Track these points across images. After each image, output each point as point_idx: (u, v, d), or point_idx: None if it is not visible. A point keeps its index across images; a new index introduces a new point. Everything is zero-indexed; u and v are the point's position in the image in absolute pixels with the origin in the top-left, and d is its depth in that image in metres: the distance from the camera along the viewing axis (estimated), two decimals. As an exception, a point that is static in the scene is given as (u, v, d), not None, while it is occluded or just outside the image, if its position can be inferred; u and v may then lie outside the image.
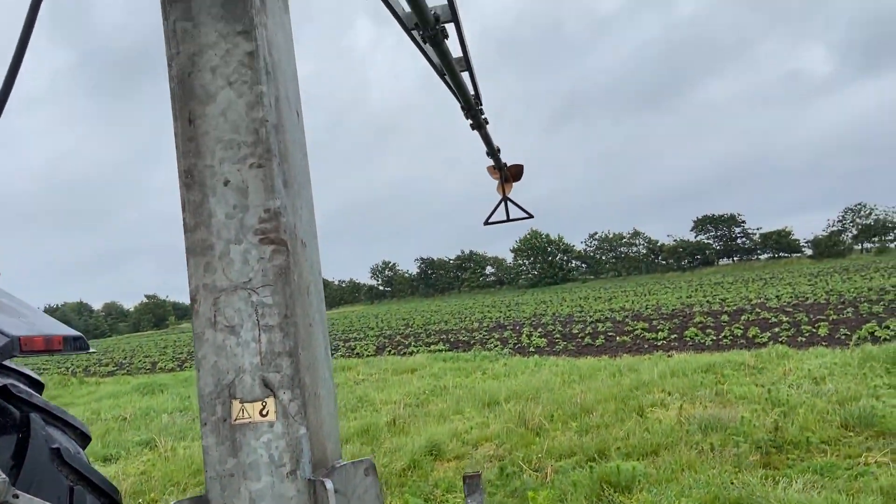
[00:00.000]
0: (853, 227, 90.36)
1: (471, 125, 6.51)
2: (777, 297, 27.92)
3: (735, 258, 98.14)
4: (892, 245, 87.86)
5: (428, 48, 4.60)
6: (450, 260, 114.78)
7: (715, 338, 15.97)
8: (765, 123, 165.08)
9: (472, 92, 5.82)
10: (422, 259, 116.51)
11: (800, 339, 14.42)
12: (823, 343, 13.21)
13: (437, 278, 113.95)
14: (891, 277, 34.20)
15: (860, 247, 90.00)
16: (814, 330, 15.47)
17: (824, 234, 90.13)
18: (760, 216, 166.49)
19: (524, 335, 21.48)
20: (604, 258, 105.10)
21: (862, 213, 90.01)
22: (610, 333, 19.64)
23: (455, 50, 5.12)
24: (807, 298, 25.30)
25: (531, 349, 17.71)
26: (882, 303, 20.18)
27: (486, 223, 8.26)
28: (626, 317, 25.04)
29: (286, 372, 1.31)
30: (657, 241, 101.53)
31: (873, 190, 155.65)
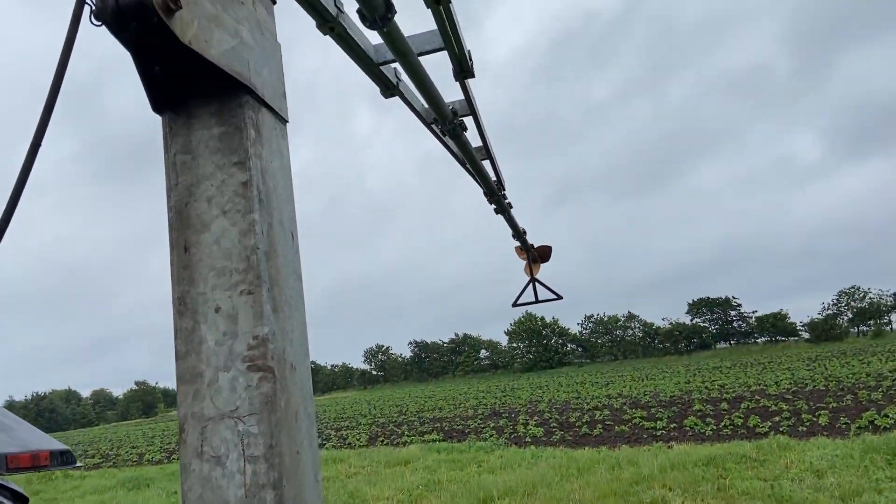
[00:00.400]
0: (848, 310, 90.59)
1: (494, 210, 6.64)
2: (776, 382, 27.62)
3: (732, 341, 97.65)
4: (887, 328, 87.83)
5: (448, 140, 4.74)
6: (444, 343, 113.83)
7: (715, 427, 15.69)
8: (757, 207, 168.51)
9: (494, 178, 5.95)
10: (415, 342, 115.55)
11: (801, 428, 14.17)
12: (824, 433, 12.99)
13: (431, 362, 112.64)
14: (888, 362, 33.96)
15: (856, 330, 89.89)
16: (814, 419, 15.24)
17: (820, 317, 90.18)
18: (755, 299, 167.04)
19: (520, 423, 21.07)
20: (599, 341, 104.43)
21: (856, 296, 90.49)
22: (608, 422, 19.28)
23: (475, 138, 5.26)
24: (806, 384, 25.03)
25: (527, 439, 17.33)
26: (880, 389, 19.97)
27: (515, 304, 8.16)
28: (624, 404, 24.65)
29: (270, 506, 1.30)
30: (653, 324, 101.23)
31: (865, 273, 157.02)
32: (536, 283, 8.12)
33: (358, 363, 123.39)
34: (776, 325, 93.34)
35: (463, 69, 3.73)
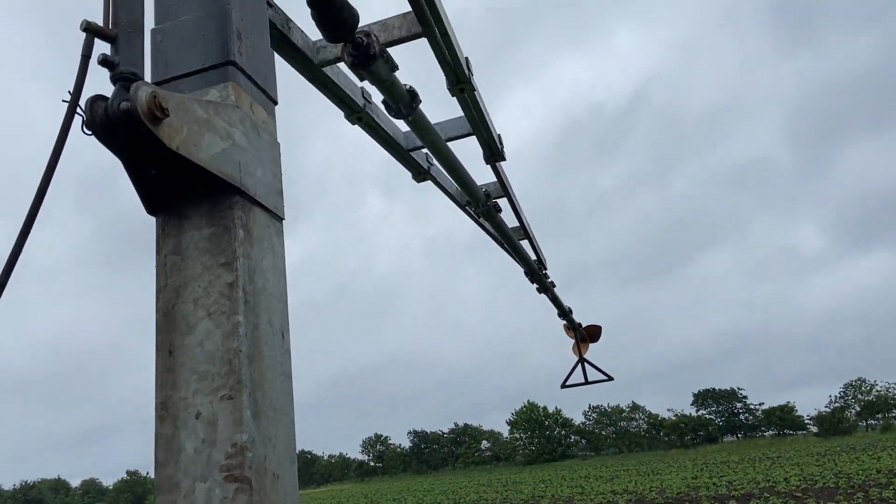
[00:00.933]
0: (855, 402, 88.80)
1: (537, 289, 6.63)
2: (786, 479, 26.74)
3: (739, 435, 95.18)
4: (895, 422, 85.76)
5: (483, 221, 4.80)
6: (444, 433, 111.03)
7: (723, 526, 15.08)
8: (762, 297, 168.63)
9: (534, 258, 5.96)
10: (415, 432, 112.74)
11: (813, 529, 13.61)
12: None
13: (431, 453, 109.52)
14: (900, 457, 33.02)
15: (864, 423, 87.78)
16: (826, 518, 14.66)
17: (827, 410, 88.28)
18: (760, 391, 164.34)
19: (522, 520, 20.27)
20: (604, 433, 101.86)
21: (863, 388, 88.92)
22: (612, 520, 18.56)
23: (511, 219, 5.30)
24: (816, 482, 24.22)
25: (529, 537, 16.62)
26: (891, 487, 19.31)
27: (564, 386, 7.88)
28: (630, 501, 23.79)
29: None
30: (658, 416, 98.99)
31: (871, 364, 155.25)
32: (586, 364, 7.85)
33: (355, 453, 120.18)
34: (783, 419, 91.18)
35: (493, 153, 3.84)
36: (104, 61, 1.40)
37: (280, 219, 1.64)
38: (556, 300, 7.08)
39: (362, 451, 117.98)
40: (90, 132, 1.29)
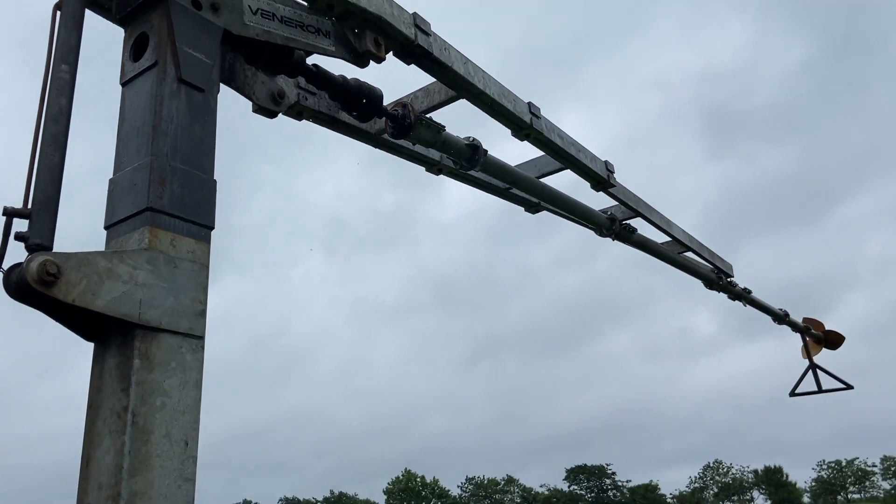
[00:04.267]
0: (713, 484, 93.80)
1: (728, 297, 6.14)
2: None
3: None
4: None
5: (619, 243, 4.90)
6: (317, 501, 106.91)
7: None
8: (657, 375, 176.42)
9: (711, 267, 5.67)
10: (286, 499, 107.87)
11: None
12: None
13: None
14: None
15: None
16: None
17: (688, 490, 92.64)
18: (632, 467, 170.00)
19: None
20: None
21: (720, 470, 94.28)
22: None
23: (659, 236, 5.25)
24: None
25: None
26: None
27: (793, 394, 7.12)
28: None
29: None
30: (531, 490, 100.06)
31: (734, 448, 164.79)
32: (818, 371, 6.97)
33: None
34: (646, 497, 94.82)
35: (598, 182, 3.90)
36: (18, 237, 1.70)
37: (197, 336, 1.86)
38: (755, 304, 6.41)
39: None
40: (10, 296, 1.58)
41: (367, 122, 2.96)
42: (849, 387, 6.70)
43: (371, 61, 2.52)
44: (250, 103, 2.46)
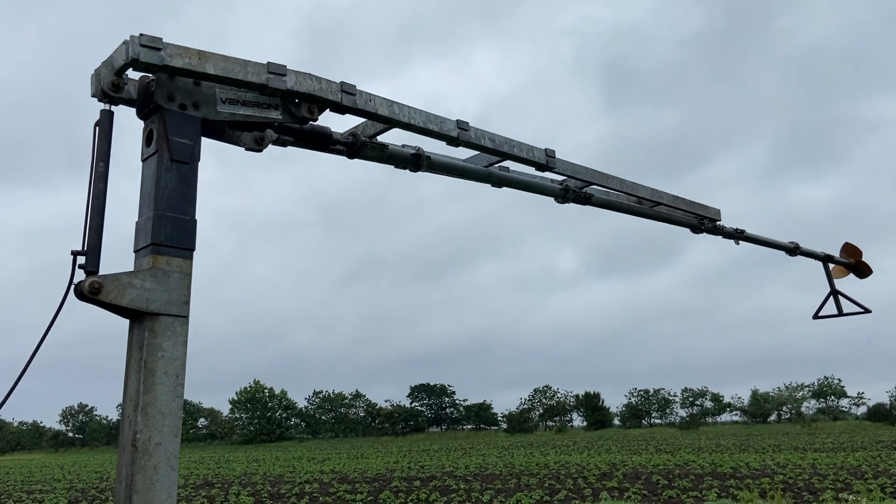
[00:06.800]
0: (540, 406, 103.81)
1: (724, 238, 6.17)
2: (466, 466, 31.77)
3: (444, 426, 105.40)
4: (569, 425, 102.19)
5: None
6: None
7: (405, 500, 18.47)
8: (517, 307, 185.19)
9: (691, 214, 5.76)
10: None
11: (468, 502, 17.50)
12: (482, 507, 16.36)
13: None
14: (562, 454, 40.49)
15: (544, 424, 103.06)
16: (480, 497, 18.76)
17: (517, 411, 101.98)
18: (472, 389, 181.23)
19: (232, 493, 22.00)
20: (324, 418, 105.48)
21: (547, 394, 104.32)
22: (315, 494, 21.16)
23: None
24: (487, 469, 29.38)
25: (238, 507, 18.53)
26: (537, 476, 24.64)
27: (816, 317, 7.27)
28: (334, 479, 26.69)
29: None
30: (377, 405, 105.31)
31: (565, 375, 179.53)
32: (839, 296, 7.08)
33: (52, 423, 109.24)
34: (480, 415, 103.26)
35: (539, 167, 4.25)
36: (80, 266, 2.61)
37: (183, 316, 2.98)
38: (759, 242, 6.43)
39: (61, 420, 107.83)
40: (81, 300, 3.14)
41: (326, 153, 3.80)
42: (867, 310, 6.89)
43: (309, 121, 3.27)
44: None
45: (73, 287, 2.68)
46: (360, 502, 18.54)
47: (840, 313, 6.94)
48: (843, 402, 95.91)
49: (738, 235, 6.10)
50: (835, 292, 6.99)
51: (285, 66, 2.99)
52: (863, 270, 7.17)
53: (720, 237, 6.06)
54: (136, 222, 2.87)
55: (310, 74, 3.10)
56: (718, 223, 5.90)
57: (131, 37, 2.57)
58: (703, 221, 5.81)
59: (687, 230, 5.96)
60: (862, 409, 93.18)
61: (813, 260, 7.02)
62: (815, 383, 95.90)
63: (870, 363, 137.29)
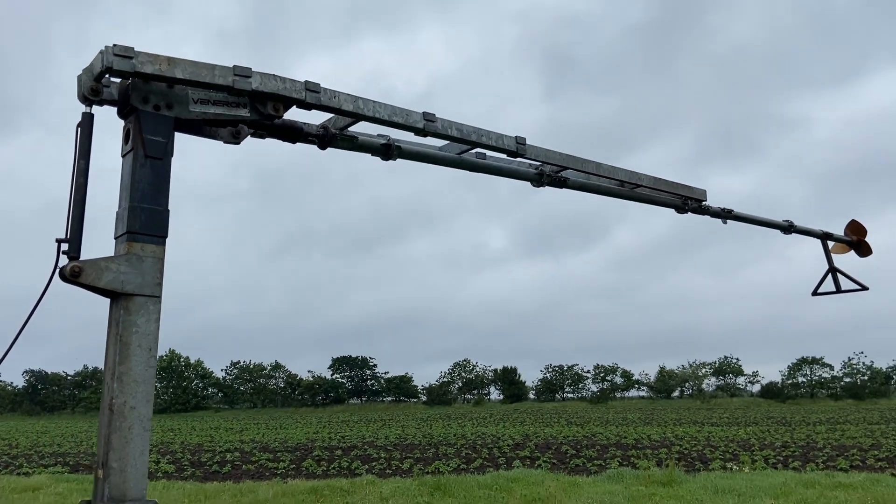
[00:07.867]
0: (459, 379, 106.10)
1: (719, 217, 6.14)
2: (385, 436, 32.63)
3: (364, 398, 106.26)
4: (487, 399, 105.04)
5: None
6: (68, 376, 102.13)
7: (326, 468, 19.08)
8: (445, 282, 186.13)
9: (678, 195, 5.77)
10: (32, 371, 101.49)
11: (387, 471, 18.28)
12: (401, 475, 17.18)
13: (49, 395, 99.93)
14: (479, 426, 41.95)
15: (463, 397, 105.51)
16: (400, 465, 19.59)
17: (436, 384, 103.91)
18: (395, 362, 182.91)
19: (151, 461, 22.03)
20: (242, 388, 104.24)
21: (467, 368, 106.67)
22: (237, 462, 21.48)
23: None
24: (406, 439, 30.32)
25: (159, 475, 18.66)
26: (454, 446, 25.75)
27: (815, 294, 7.25)
28: (255, 448, 26.98)
29: None
30: (297, 376, 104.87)
31: (485, 350, 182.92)
32: (838, 273, 7.08)
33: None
34: (400, 388, 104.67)
35: (510, 154, 4.33)
36: (63, 252, 2.87)
37: (155, 297, 3.35)
38: (750, 221, 6.36)
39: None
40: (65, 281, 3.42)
41: (300, 143, 3.86)
42: (864, 288, 6.88)
43: (275, 119, 3.43)
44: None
45: (57, 271, 2.95)
46: (283, 470, 19.02)
47: (838, 290, 6.96)
48: (740, 380, 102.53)
49: (725, 215, 6.05)
50: (833, 269, 6.96)
51: (251, 69, 3.18)
52: (863, 249, 7.14)
53: (707, 216, 6.02)
54: (116, 212, 3.14)
55: (274, 75, 3.29)
56: (704, 203, 5.87)
57: (106, 47, 2.80)
58: (687, 202, 5.78)
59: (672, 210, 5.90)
60: (756, 387, 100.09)
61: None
62: (717, 362, 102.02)
63: (766, 344, 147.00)
